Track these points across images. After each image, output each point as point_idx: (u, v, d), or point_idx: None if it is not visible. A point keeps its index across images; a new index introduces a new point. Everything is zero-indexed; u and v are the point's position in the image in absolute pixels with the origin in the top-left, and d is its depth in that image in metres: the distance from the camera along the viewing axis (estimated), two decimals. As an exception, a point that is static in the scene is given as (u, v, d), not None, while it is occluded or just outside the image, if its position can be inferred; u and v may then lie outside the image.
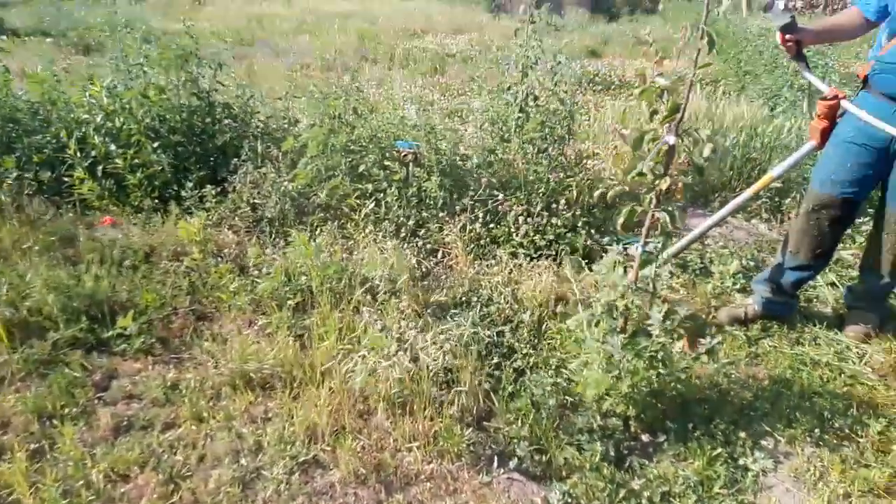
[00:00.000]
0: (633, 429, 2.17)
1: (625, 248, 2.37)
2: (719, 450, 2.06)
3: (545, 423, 2.09)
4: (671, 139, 1.88)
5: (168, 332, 2.53)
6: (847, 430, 2.14)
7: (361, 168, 3.33)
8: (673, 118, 1.88)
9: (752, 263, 3.28)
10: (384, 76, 8.19)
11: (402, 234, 3.17)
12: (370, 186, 3.29)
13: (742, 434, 2.15)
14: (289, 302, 2.63)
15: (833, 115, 2.46)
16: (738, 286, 3.07)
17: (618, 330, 2.11)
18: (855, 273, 3.09)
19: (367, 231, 3.13)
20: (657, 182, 1.88)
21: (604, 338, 2.09)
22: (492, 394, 2.23)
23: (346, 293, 2.69)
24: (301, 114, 4.21)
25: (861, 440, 2.10)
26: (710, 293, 3.00)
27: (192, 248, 2.90)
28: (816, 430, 2.14)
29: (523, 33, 3.76)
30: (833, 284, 3.09)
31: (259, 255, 2.89)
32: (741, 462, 2.04)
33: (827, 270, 3.17)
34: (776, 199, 3.94)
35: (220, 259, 2.94)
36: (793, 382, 2.38)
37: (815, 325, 2.75)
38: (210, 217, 3.23)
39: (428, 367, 2.12)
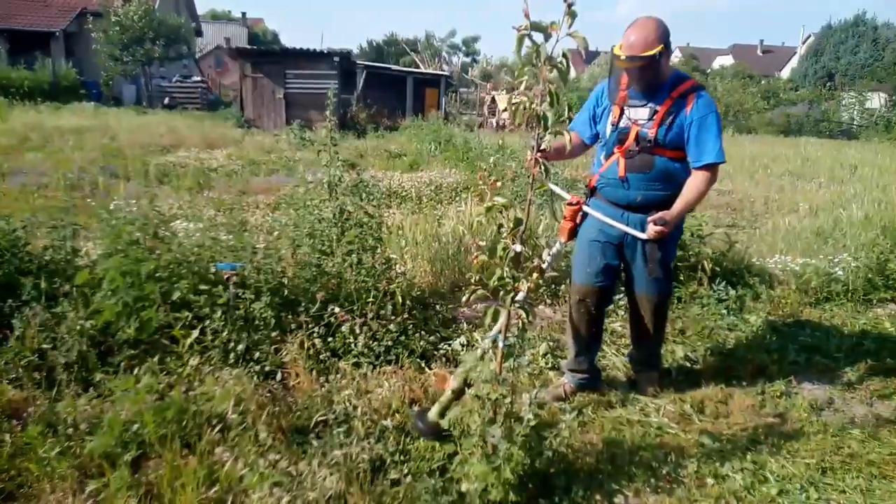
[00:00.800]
0: (512, 514, 2.31)
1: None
2: (587, 516, 2.30)
3: (440, 528, 2.13)
4: (518, 247, 2.19)
5: (-35, 525, 2.00)
6: (672, 475, 2.56)
7: (176, 295, 3.10)
8: (517, 230, 2.20)
9: (553, 343, 3.77)
10: (142, 192, 7.65)
11: (231, 361, 2.99)
12: (189, 314, 3.06)
13: (598, 497, 2.42)
14: (125, 457, 2.28)
15: (575, 217, 3.02)
16: (549, 365, 3.50)
17: (489, 420, 2.28)
18: (628, 341, 3.77)
19: (192, 363, 2.89)
20: (516, 284, 2.16)
21: (481, 429, 2.25)
22: (378, 511, 2.20)
23: (192, 435, 2.44)
24: (84, 241, 3.77)
25: (685, 481, 2.53)
26: (531, 374, 3.36)
27: (-23, 414, 2.37)
28: (652, 480, 2.52)
29: (326, 155, 3.94)
30: (616, 354, 3.69)
31: (71, 409, 2.47)
32: (605, 523, 2.31)
33: (609, 342, 3.80)
34: (553, 286, 4.61)
35: (15, 421, 2.44)
36: (621, 442, 2.78)
37: (617, 390, 3.26)
38: (-14, 372, 2.68)
39: (322, 498, 2.03)
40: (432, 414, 2.57)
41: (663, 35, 2.63)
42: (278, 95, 18.84)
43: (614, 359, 3.62)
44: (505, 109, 24.32)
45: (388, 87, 22.17)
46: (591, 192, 3.09)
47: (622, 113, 2.85)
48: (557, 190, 3.11)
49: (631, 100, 2.82)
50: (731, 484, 2.50)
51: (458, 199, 7.73)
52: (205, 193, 8.05)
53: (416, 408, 2.81)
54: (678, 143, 2.77)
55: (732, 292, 4.49)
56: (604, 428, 2.91)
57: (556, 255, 3.07)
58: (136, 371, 2.77)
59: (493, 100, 25.22)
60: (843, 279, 4.80)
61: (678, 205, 2.75)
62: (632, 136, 2.81)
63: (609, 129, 2.90)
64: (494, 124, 23.21)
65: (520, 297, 2.19)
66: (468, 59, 46.34)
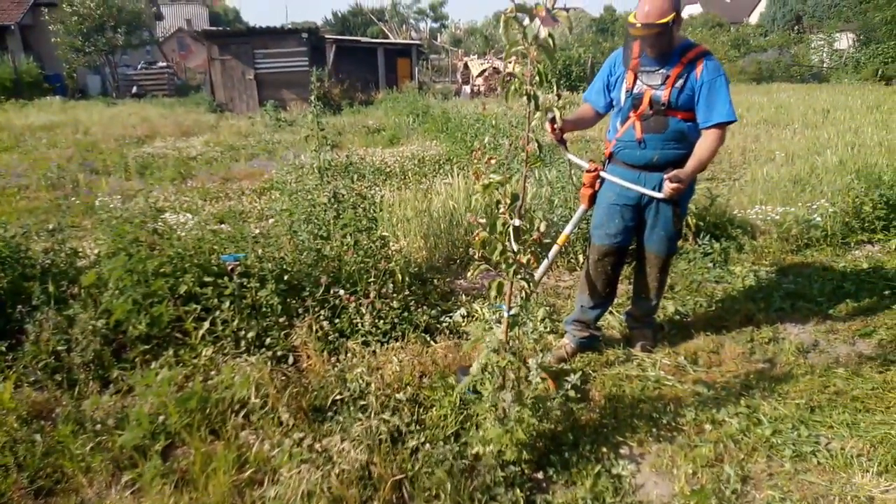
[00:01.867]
0: (525, 471, 2.45)
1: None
2: (598, 467, 2.46)
3: (462, 490, 2.27)
4: (517, 222, 2.29)
5: (13, 522, 2.11)
6: (672, 423, 2.73)
7: (183, 289, 3.17)
8: (514, 205, 2.30)
9: (550, 308, 3.91)
10: (125, 187, 7.61)
11: (243, 348, 3.08)
12: (197, 306, 3.14)
13: (604, 449, 2.58)
14: (155, 447, 2.39)
15: (594, 183, 3.18)
16: (548, 329, 3.64)
17: (499, 386, 2.41)
18: (621, 301, 3.92)
19: (206, 354, 2.99)
20: (518, 256, 2.26)
21: (492, 395, 2.38)
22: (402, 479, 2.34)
23: (216, 422, 2.55)
24: (77, 241, 3.80)
25: (684, 428, 2.70)
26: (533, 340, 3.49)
27: (7, 418, 2.45)
28: (654, 430, 2.69)
29: (314, 140, 3.99)
30: (612, 313, 3.84)
31: (95, 406, 2.56)
32: (615, 472, 2.46)
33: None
34: (543, 255, 4.73)
35: (43, 422, 2.53)
36: (621, 397, 2.94)
37: (614, 347, 3.41)
38: (6, 378, 2.75)
39: (349, 470, 2.16)
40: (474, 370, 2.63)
41: (675, 2, 2.77)
42: (248, 76, 18.54)
43: (610, 318, 3.77)
44: (479, 75, 24.03)
45: (360, 60, 21.86)
46: (609, 158, 3.21)
47: (636, 79, 2.97)
48: (575, 159, 3.25)
49: (643, 66, 2.94)
50: (727, 428, 2.67)
51: (442, 171, 7.79)
52: (187, 183, 8.02)
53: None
54: (689, 105, 2.91)
55: (717, 245, 4.65)
56: (604, 385, 3.06)
57: (578, 221, 3.21)
58: (152, 365, 2.87)
59: (466, 66, 25.02)
60: (822, 225, 4.98)
61: (691, 163, 2.90)
62: (646, 100, 2.94)
63: (624, 95, 3.02)
64: (469, 91, 23.04)
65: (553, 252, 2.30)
66: (436, 25, 45.64)
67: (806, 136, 9.78)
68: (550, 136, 3.08)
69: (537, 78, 2.05)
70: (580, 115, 3.28)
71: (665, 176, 2.86)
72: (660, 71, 2.90)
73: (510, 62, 2.09)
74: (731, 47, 30.23)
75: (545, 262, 3.19)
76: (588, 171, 3.16)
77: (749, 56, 29.23)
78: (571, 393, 2.49)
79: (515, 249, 2.28)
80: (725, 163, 8.68)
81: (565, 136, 3.13)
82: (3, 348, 2.88)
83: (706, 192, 5.21)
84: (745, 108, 13.87)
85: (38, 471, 2.34)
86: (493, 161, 2.42)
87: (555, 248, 3.18)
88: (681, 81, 2.86)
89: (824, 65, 27.71)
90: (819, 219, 5.01)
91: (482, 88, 22.71)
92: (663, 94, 2.88)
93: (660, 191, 2.95)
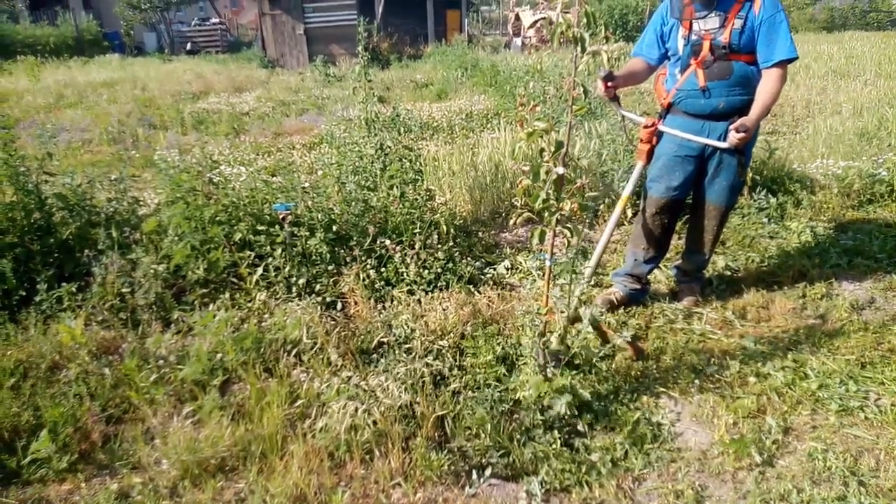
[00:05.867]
0: (565, 416, 2.51)
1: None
2: (637, 415, 2.49)
3: (502, 430, 2.34)
4: (560, 170, 2.28)
5: (87, 444, 2.30)
6: (716, 375, 2.72)
7: (238, 237, 3.30)
8: (558, 153, 2.28)
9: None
10: (182, 141, 7.84)
11: (295, 294, 3.21)
12: (251, 253, 3.27)
13: (645, 398, 2.61)
14: (214, 382, 2.55)
15: (652, 138, 3.11)
16: (593, 282, 3.63)
17: (539, 333, 2.45)
18: (670, 256, 3.86)
19: (260, 298, 3.12)
20: (560, 205, 2.26)
21: (533, 343, 2.42)
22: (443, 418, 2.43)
23: (270, 361, 2.69)
24: (138, 192, 3.98)
25: (728, 380, 2.68)
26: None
27: (80, 352, 2.65)
28: (696, 381, 2.69)
29: (361, 92, 4.02)
30: (660, 267, 3.79)
31: (158, 344, 2.73)
32: (654, 420, 2.49)
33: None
34: (586, 205, 4.69)
35: (110, 357, 2.72)
36: (665, 348, 2.94)
37: (660, 301, 3.39)
38: (77, 316, 2.96)
39: (392, 407, 2.25)
40: (553, 344, 2.52)
41: None
42: (299, 31, 18.56)
43: (657, 272, 3.73)
44: (530, 26, 23.42)
45: (408, 12, 21.50)
46: (667, 109, 3.13)
47: (691, 26, 2.88)
48: (630, 115, 3.18)
49: (698, 12, 2.84)
50: (772, 381, 2.64)
51: (489, 125, 7.71)
52: (241, 138, 8.20)
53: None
54: (751, 46, 2.81)
55: (773, 200, 4.50)
56: (648, 336, 3.06)
57: (636, 179, 3.15)
58: (210, 307, 3.02)
59: (518, 17, 24.32)
60: (888, 179, 4.74)
61: (756, 109, 2.79)
62: (706, 46, 2.85)
63: (681, 42, 2.94)
64: (520, 44, 22.46)
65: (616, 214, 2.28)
66: (488, -24, 44.30)
67: (878, 88, 9.20)
68: (602, 94, 2.99)
69: (585, 19, 2.01)
70: (631, 70, 3.18)
71: (731, 126, 2.77)
72: (716, 13, 2.79)
73: (556, 3, 2.05)
74: (802, -7, 28.32)
75: (609, 227, 3.13)
76: (646, 127, 3.08)
77: (821, 2, 27.35)
78: (623, 344, 2.51)
79: (558, 198, 2.28)
80: (788, 115, 8.28)
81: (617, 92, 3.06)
82: (74, 289, 3.07)
83: (765, 145, 5.00)
84: (813, 58, 13.07)
85: (108, 400, 2.54)
86: (537, 108, 2.40)
87: (617, 211, 3.13)
88: (740, 21, 2.75)
89: (905, 10, 25.72)
90: (885, 173, 4.77)
91: (534, 40, 22.08)
92: (723, 38, 2.78)
93: (724, 140, 2.87)
